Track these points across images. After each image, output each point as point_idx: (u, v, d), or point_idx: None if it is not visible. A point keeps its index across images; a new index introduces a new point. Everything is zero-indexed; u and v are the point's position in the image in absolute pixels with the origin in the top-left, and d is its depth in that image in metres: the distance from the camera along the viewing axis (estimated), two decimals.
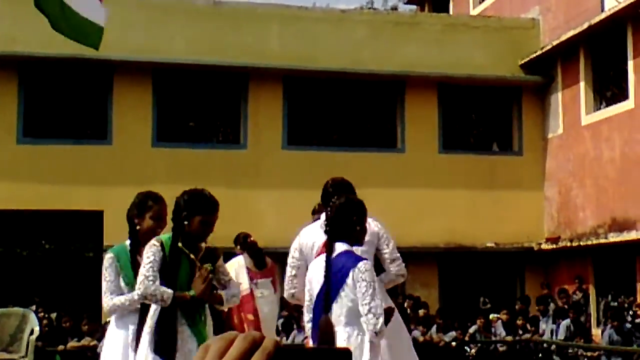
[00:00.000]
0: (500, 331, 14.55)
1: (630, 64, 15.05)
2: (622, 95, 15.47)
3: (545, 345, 14.24)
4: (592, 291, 15.90)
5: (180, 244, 4.82)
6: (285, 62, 16.40)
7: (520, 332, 14.63)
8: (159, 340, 4.70)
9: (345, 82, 17.04)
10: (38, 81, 16.09)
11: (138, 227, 5.25)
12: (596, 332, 14.97)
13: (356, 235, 4.82)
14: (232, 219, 15.35)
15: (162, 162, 15.74)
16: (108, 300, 5.15)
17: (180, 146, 16.30)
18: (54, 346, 12.86)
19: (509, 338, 14.34)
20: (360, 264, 4.62)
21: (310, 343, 5.03)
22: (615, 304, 15.20)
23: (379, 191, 15.97)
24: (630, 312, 14.00)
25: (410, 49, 17.04)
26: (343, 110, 17.30)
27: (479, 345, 14.33)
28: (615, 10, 14.85)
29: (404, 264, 5.47)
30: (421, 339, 13.53)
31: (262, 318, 8.58)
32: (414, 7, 25.61)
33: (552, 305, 15.16)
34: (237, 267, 8.55)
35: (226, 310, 7.64)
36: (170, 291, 4.71)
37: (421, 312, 14.76)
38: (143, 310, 5.08)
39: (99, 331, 13.47)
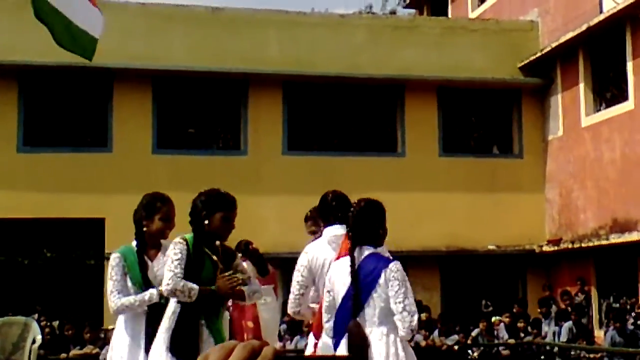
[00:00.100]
0: (503, 334, 14.53)
1: (630, 64, 15.06)
2: (622, 96, 15.47)
3: (547, 347, 14.22)
4: (594, 293, 15.89)
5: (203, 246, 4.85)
6: (285, 67, 16.42)
7: (522, 334, 14.62)
8: (177, 341, 4.68)
9: (345, 86, 17.04)
10: (38, 89, 16.10)
11: (146, 229, 5.21)
12: (598, 333, 14.95)
13: (380, 237, 4.95)
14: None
15: (163, 169, 15.74)
16: (116, 300, 5.08)
17: (181, 153, 16.31)
18: (56, 354, 12.85)
19: (512, 341, 14.33)
20: (392, 265, 4.78)
21: (329, 342, 5.07)
22: (618, 305, 15.19)
23: (380, 195, 15.86)
24: (633, 314, 13.98)
25: (409, 53, 17.06)
26: (343, 115, 17.30)
27: (482, 348, 14.30)
28: (613, 11, 14.86)
29: None
30: (423, 343, 13.52)
31: (263, 325, 8.57)
32: (412, 11, 25.63)
33: (554, 308, 15.15)
34: None
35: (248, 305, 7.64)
36: (196, 287, 4.71)
37: (423, 316, 14.73)
38: (151, 312, 5.07)
39: (101, 339, 13.47)
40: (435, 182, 16.84)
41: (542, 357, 14.25)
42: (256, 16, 16.82)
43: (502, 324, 14.76)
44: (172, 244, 4.85)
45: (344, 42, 16.92)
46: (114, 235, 15.07)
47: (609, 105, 15.93)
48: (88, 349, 13.04)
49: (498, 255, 17.09)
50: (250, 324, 8.55)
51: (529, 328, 14.71)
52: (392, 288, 4.72)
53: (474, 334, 14.34)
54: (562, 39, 16.25)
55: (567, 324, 13.84)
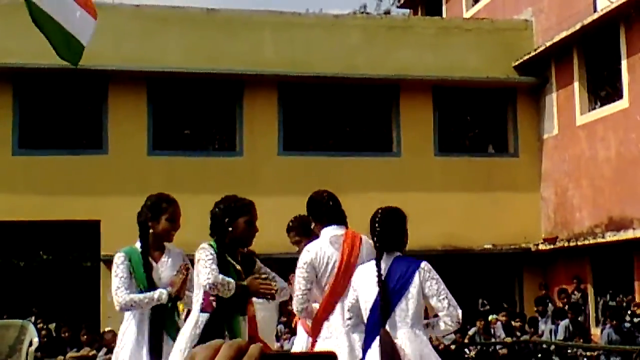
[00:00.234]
0: (500, 333, 14.55)
1: (624, 63, 15.09)
2: (616, 95, 15.50)
3: (544, 346, 14.24)
4: (590, 291, 15.92)
5: (226, 254, 4.87)
6: (280, 68, 16.42)
7: (519, 333, 14.64)
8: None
9: (340, 87, 17.05)
10: (33, 92, 16.08)
11: (152, 230, 5.16)
12: (595, 331, 14.98)
13: (404, 243, 5.12)
14: None
15: (159, 171, 15.73)
16: (124, 295, 5.00)
17: (177, 154, 16.30)
18: (53, 357, 12.85)
19: (509, 339, 14.35)
20: (423, 264, 4.95)
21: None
22: (614, 303, 15.22)
23: (375, 195, 15.94)
24: (629, 312, 14.01)
25: (404, 53, 17.07)
26: (338, 115, 17.31)
27: (479, 347, 14.32)
28: (607, 10, 14.89)
29: None
30: None
31: (260, 325, 8.57)
32: (407, 11, 25.65)
33: (550, 306, 15.17)
34: None
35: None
36: (233, 281, 4.73)
37: None
38: (155, 314, 5.04)
39: (98, 341, 13.46)
40: (430, 182, 16.85)
41: (539, 355, 14.27)
42: (251, 17, 16.82)
43: (499, 323, 14.78)
44: (199, 250, 4.83)
45: (339, 43, 16.93)
46: (110, 237, 15.06)
47: (603, 103, 15.96)
48: (85, 351, 13.04)
49: (494, 254, 17.11)
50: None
51: (526, 327, 14.73)
52: (432, 287, 4.88)
53: (471, 332, 14.36)
54: (557, 38, 16.28)
55: (564, 322, 13.86)
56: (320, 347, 5.21)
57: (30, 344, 12.05)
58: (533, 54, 17.10)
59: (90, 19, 5.64)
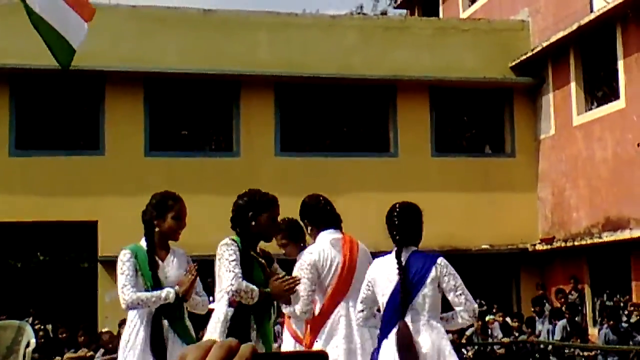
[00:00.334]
0: (497, 333, 14.56)
1: (620, 63, 15.11)
2: (613, 95, 15.52)
3: (542, 346, 14.25)
4: (587, 291, 15.93)
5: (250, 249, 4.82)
6: (277, 69, 16.42)
7: (517, 333, 14.64)
8: None
9: (337, 87, 17.06)
10: (29, 93, 16.06)
11: (157, 229, 5.08)
12: (592, 331, 14.99)
13: (420, 238, 5.29)
14: (227, 227, 15.35)
15: (156, 172, 15.71)
16: (130, 293, 4.90)
17: (174, 155, 16.29)
18: (50, 358, 12.83)
19: (506, 340, 14.35)
20: (440, 259, 5.08)
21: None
22: (611, 303, 15.23)
23: (373, 195, 15.98)
24: (626, 311, 14.02)
25: (400, 54, 17.08)
26: (335, 115, 17.32)
27: (476, 347, 14.33)
28: (604, 10, 14.91)
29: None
30: None
31: None
32: (403, 11, 25.65)
33: (547, 306, 15.18)
34: None
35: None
36: (257, 289, 4.66)
37: None
38: (157, 314, 4.97)
39: (96, 342, 13.45)
40: (427, 182, 16.85)
41: (537, 355, 14.28)
42: (248, 18, 16.82)
43: (496, 323, 14.79)
44: (222, 246, 4.75)
45: (336, 43, 16.93)
46: (107, 237, 15.06)
47: (600, 104, 15.98)
48: (82, 351, 13.02)
49: (491, 254, 17.12)
50: None
51: (524, 327, 14.74)
52: (449, 283, 4.99)
53: (468, 332, 14.36)
54: (553, 39, 16.29)
55: (561, 323, 13.87)
56: (318, 348, 5.20)
57: (28, 345, 12.03)
58: (530, 54, 17.12)
59: (83, 23, 5.65)
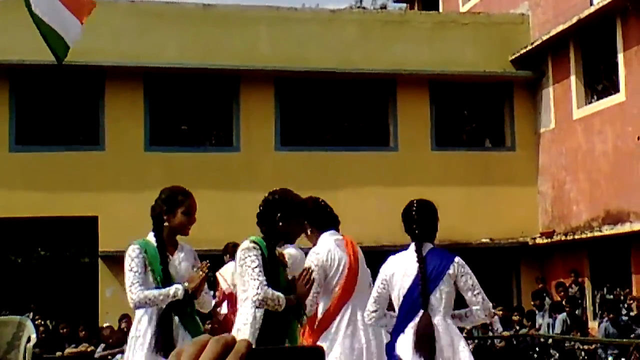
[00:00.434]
0: (498, 326, 14.57)
1: (620, 56, 15.10)
2: (613, 88, 15.51)
3: (542, 339, 14.26)
4: (587, 284, 15.95)
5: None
6: (276, 63, 16.41)
7: (517, 327, 14.66)
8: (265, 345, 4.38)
9: (337, 82, 17.05)
10: (29, 89, 16.06)
11: (167, 224, 4.99)
12: (592, 325, 15.01)
13: (435, 235, 5.32)
14: (227, 222, 15.37)
15: (156, 167, 15.71)
16: (138, 292, 4.81)
17: (174, 150, 16.29)
18: (51, 353, 12.85)
19: (506, 333, 14.37)
20: (457, 259, 5.16)
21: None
22: (611, 296, 15.25)
23: (373, 190, 16.00)
24: (626, 305, 14.04)
25: (400, 48, 17.06)
26: (335, 110, 17.32)
27: (476, 341, 14.34)
28: (604, 3, 14.89)
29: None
30: None
31: None
32: (403, 5, 25.63)
33: (547, 300, 15.19)
34: (234, 272, 8.54)
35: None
36: (283, 296, 4.53)
37: None
38: (165, 310, 4.90)
39: (96, 337, 13.48)
40: (428, 176, 16.85)
41: (537, 349, 14.29)
42: (247, 12, 16.80)
43: (496, 317, 14.79)
44: (243, 251, 4.59)
45: (335, 38, 16.92)
46: (108, 233, 15.07)
47: (600, 97, 15.97)
48: (83, 347, 13.05)
49: (491, 248, 17.12)
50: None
51: (524, 320, 14.75)
52: (467, 282, 5.10)
53: (468, 326, 14.37)
54: (553, 32, 16.28)
55: (561, 316, 13.88)
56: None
57: (29, 340, 12.04)
58: (530, 47, 17.10)
59: (77, 22, 5.67)
